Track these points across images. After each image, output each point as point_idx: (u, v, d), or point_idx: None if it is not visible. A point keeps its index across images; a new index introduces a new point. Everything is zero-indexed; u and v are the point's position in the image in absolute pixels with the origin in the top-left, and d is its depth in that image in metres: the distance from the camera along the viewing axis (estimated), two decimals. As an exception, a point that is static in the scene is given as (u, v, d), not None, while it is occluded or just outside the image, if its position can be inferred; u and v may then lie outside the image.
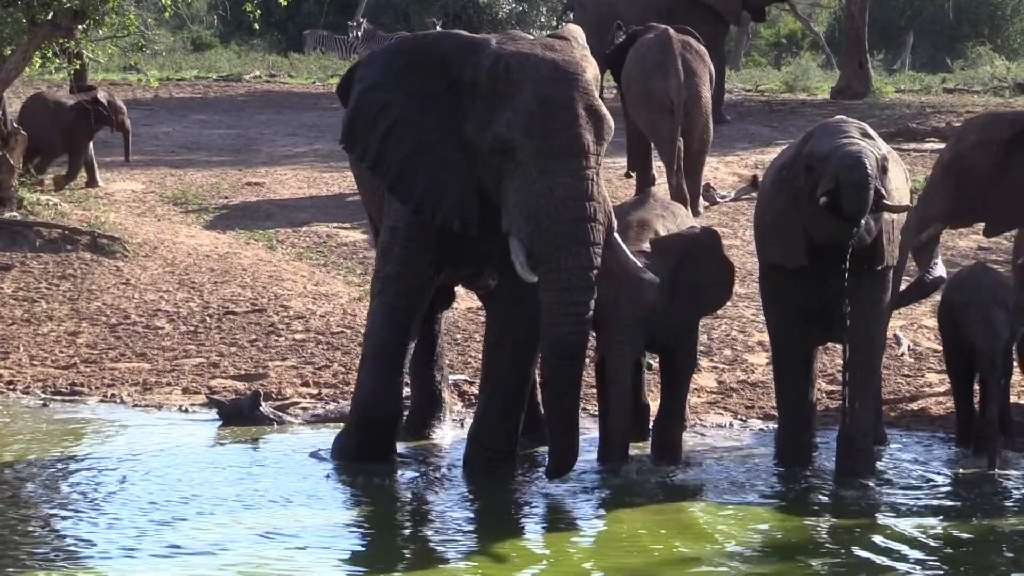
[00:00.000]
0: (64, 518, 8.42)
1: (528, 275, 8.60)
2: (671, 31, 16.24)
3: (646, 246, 9.23)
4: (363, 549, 8.15)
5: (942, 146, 18.55)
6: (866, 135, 9.02)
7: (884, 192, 8.82)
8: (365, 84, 9.11)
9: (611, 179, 18.35)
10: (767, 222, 9.37)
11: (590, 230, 8.56)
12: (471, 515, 8.81)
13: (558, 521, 8.58)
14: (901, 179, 9.32)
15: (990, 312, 9.48)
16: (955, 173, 10.31)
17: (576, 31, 9.23)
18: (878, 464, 9.54)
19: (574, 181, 8.55)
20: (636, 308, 9.06)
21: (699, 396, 11.08)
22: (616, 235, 8.80)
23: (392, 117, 9.00)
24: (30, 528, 8.25)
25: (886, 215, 9.04)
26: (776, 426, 9.97)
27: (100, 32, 14.72)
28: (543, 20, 32.25)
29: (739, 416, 10.78)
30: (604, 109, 8.72)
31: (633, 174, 18.05)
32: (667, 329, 9.27)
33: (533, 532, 8.42)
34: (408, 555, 8.04)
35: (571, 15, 22.71)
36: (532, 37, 9.09)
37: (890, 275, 9.41)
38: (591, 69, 8.78)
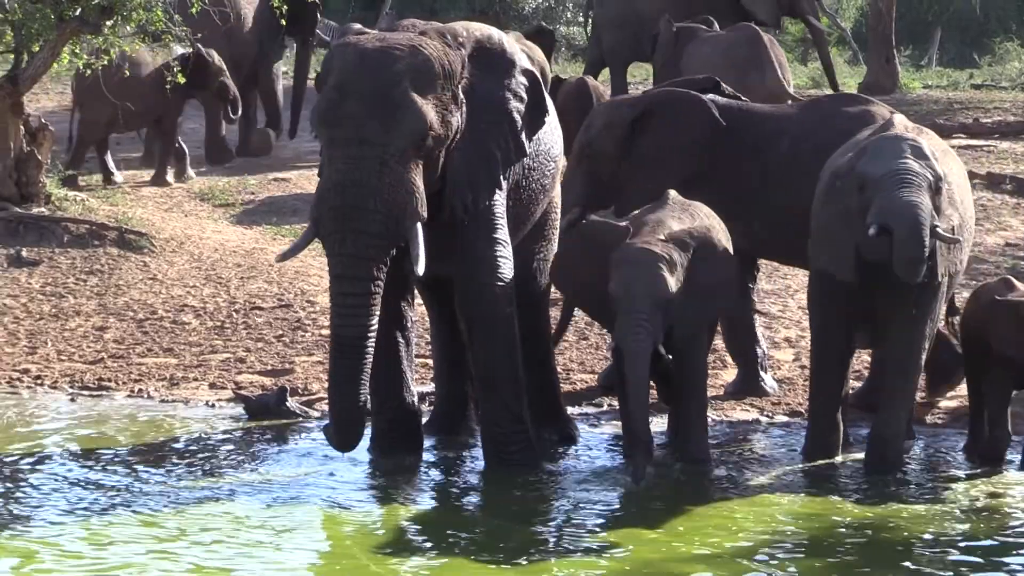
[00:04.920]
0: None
1: (282, 260, 9.19)
2: (755, 26, 16.58)
3: (661, 244, 9.09)
4: (373, 545, 8.12)
5: (969, 142, 18.61)
6: (920, 155, 8.95)
7: (936, 218, 8.79)
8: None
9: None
10: (816, 227, 9.27)
11: (362, 218, 8.54)
12: (487, 510, 8.85)
13: (579, 516, 8.57)
14: (961, 176, 9.44)
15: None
16: (588, 159, 10.80)
17: (458, 27, 9.13)
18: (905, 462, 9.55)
19: (351, 169, 8.56)
20: (652, 296, 8.93)
21: (725, 391, 11.07)
22: (418, 227, 8.66)
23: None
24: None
25: (943, 224, 8.94)
26: (805, 422, 9.97)
27: (128, 28, 14.74)
28: (569, 15, 32.15)
29: (765, 412, 10.76)
30: (411, 101, 8.56)
31: None
32: (683, 326, 9.15)
33: (552, 528, 8.41)
34: (422, 550, 8.06)
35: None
36: (414, 27, 9.03)
37: (943, 284, 9.34)
38: (410, 60, 8.63)
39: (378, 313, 8.68)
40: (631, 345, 8.88)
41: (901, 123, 9.48)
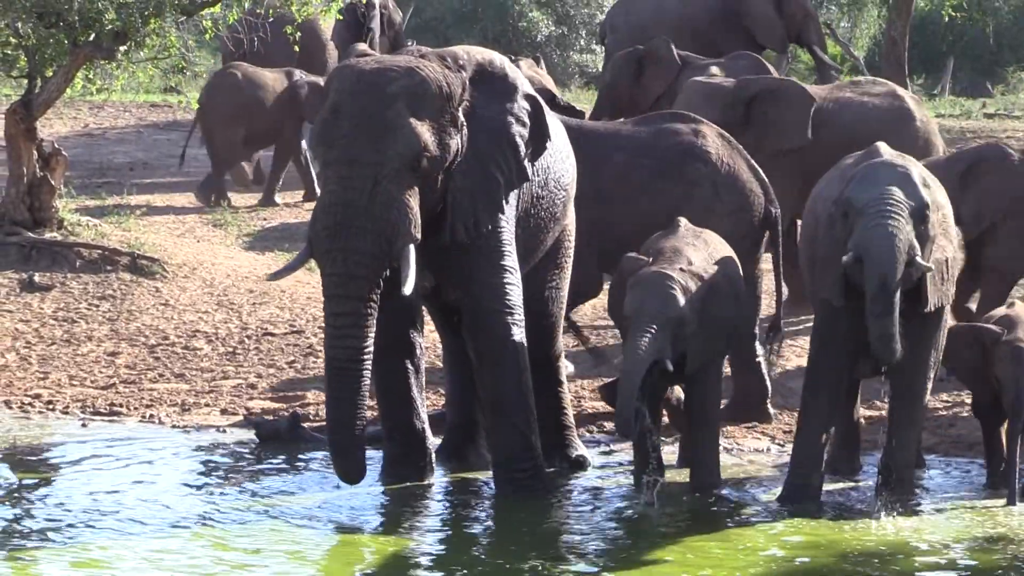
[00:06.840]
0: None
1: (274, 279, 9.32)
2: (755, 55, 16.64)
3: (678, 271, 9.11)
4: (382, 573, 8.12)
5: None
6: (907, 182, 8.86)
7: (917, 247, 8.73)
8: None
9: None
10: (819, 257, 9.15)
11: (354, 237, 8.53)
12: (497, 536, 8.82)
13: (589, 543, 8.56)
14: (948, 207, 9.28)
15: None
16: None
17: (459, 51, 9.13)
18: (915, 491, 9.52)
19: (341, 190, 8.57)
20: (663, 314, 8.90)
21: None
22: (410, 248, 8.61)
23: None
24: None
25: (937, 255, 8.96)
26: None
27: (141, 54, 14.81)
28: (583, 43, 32.20)
29: (777, 441, 10.74)
30: (405, 122, 8.56)
31: None
32: (695, 357, 9.13)
33: (562, 555, 8.37)
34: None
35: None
36: (415, 51, 9.07)
37: (943, 312, 9.30)
38: (405, 81, 8.62)
39: (372, 336, 8.64)
40: (634, 351, 8.85)
41: (886, 150, 9.37)
